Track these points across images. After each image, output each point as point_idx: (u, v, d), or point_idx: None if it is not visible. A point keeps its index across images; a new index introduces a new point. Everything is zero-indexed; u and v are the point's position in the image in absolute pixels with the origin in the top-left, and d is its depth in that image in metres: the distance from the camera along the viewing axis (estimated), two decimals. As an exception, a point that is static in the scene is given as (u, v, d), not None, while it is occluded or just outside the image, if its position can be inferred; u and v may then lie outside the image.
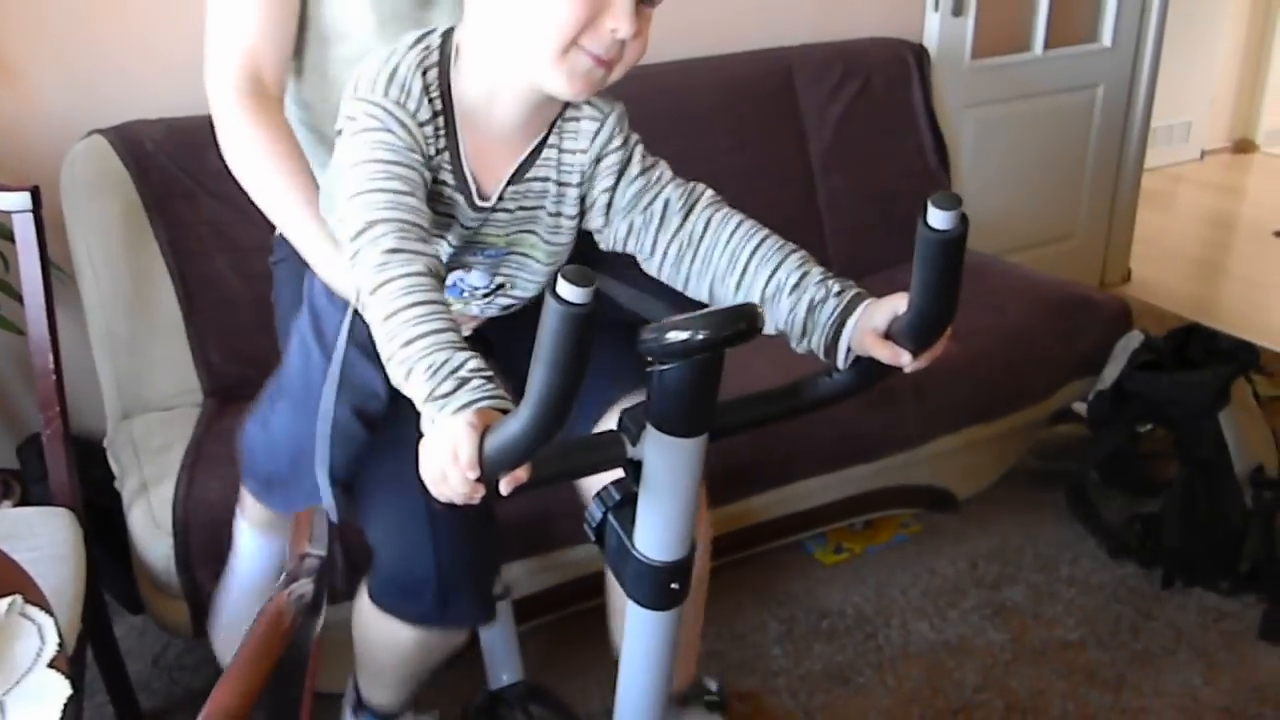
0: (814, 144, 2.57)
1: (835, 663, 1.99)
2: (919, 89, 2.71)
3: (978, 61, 2.95)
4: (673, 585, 0.97)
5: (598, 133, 1.05)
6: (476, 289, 1.12)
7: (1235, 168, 4.86)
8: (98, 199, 1.92)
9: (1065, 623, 2.10)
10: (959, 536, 2.34)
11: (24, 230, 1.61)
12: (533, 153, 1.05)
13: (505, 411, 0.80)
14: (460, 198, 1.03)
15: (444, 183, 1.02)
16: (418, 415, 0.82)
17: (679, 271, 1.05)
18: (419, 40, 1.01)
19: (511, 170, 1.05)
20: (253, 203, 1.85)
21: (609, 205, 1.07)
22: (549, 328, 0.71)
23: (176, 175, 1.96)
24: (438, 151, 1.00)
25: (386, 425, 1.19)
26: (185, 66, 2.01)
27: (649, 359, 0.87)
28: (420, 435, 0.82)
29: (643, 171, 1.06)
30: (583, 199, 1.08)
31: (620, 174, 1.06)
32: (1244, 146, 4.98)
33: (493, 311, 1.17)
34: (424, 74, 0.99)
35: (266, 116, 1.22)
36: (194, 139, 1.96)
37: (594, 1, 0.94)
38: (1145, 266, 3.63)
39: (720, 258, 1.02)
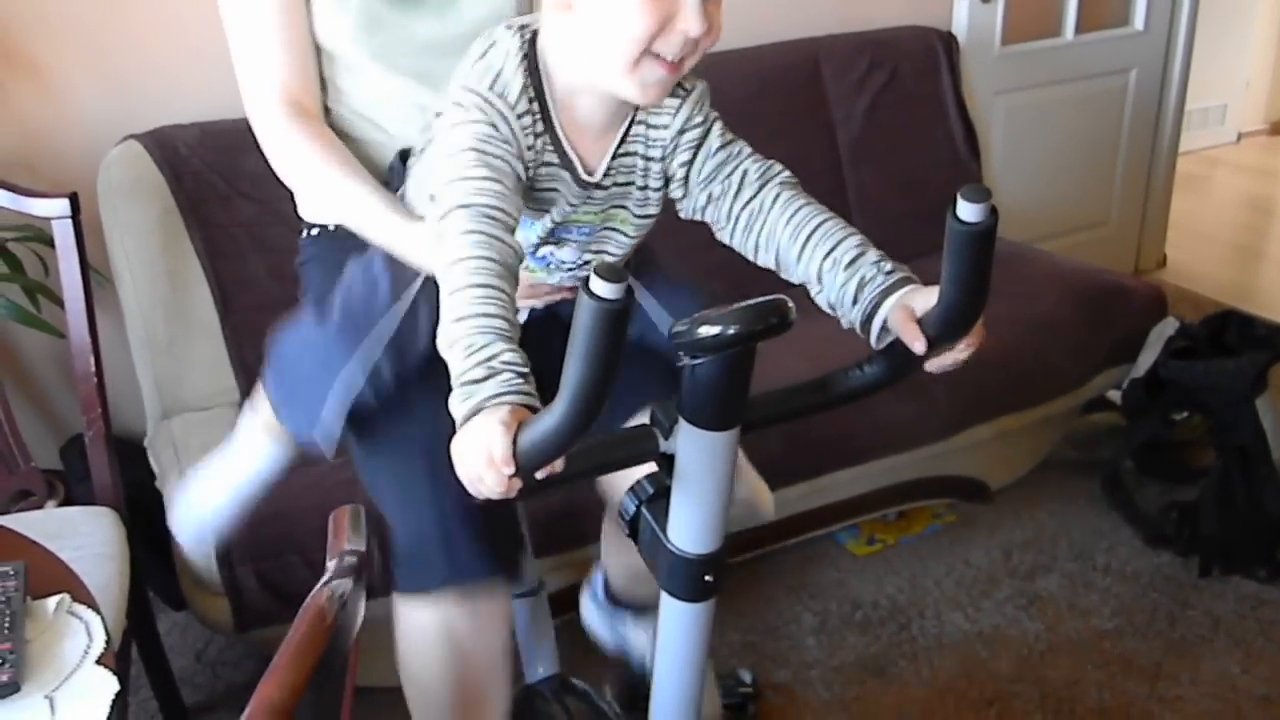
0: (842, 134, 2.56)
1: (869, 654, 1.99)
2: (948, 77, 2.70)
3: (1008, 48, 2.93)
4: (706, 577, 0.98)
5: (679, 109, 1.08)
6: (564, 263, 1.16)
7: (1272, 150, 4.78)
8: (134, 203, 1.95)
9: (1101, 612, 2.09)
10: (993, 527, 2.33)
11: (64, 236, 1.64)
12: (626, 130, 1.08)
13: (532, 409, 0.82)
14: (566, 174, 1.07)
15: (549, 163, 1.06)
16: (436, 392, 0.85)
17: (748, 239, 1.09)
18: (517, 33, 1.04)
19: (613, 148, 1.08)
20: (288, 204, 1.87)
21: (687, 177, 1.10)
22: (583, 323, 0.72)
23: (211, 179, 1.99)
24: (537, 135, 1.04)
25: (408, 390, 1.20)
26: (218, 71, 2.04)
27: (680, 353, 0.87)
28: (438, 417, 0.84)
29: (723, 146, 1.10)
30: (665, 171, 1.11)
31: (698, 148, 1.09)
32: (1281, 128, 4.91)
33: (570, 283, 1.19)
34: (522, 67, 1.02)
35: (314, 130, 1.26)
36: (227, 142, 1.99)
37: (663, 8, 0.96)
38: (1181, 252, 3.59)
39: (785, 229, 1.06)
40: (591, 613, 1.56)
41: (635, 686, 1.48)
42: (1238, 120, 4.77)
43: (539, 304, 1.22)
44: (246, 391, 2.01)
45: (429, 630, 1.29)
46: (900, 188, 2.59)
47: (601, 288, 0.71)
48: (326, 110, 1.33)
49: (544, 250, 1.14)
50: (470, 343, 0.85)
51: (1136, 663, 1.96)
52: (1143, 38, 3.18)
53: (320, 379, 1.22)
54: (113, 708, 0.95)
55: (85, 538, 1.56)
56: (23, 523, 1.48)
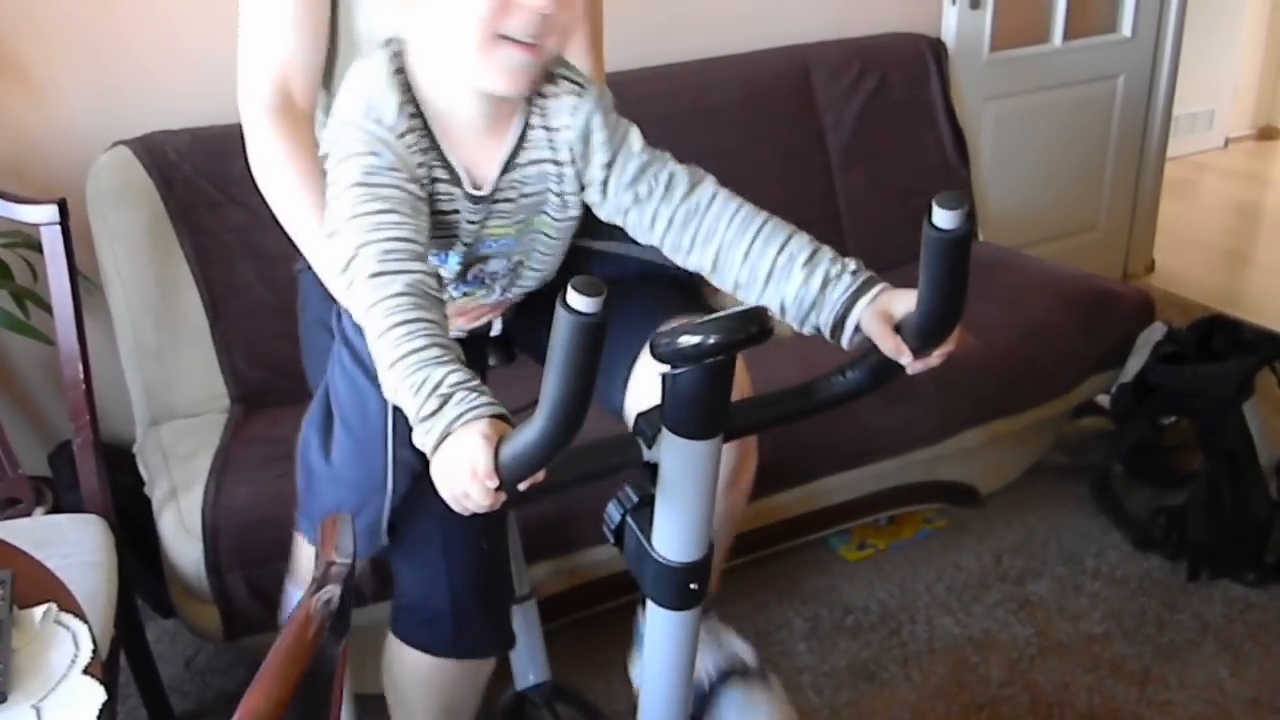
0: (832, 140, 2.57)
1: (860, 659, 1.99)
2: (937, 83, 2.71)
3: (996, 54, 2.94)
4: (691, 585, 0.98)
5: (579, 106, 1.05)
6: (496, 274, 1.14)
7: (1260, 155, 4.80)
8: (124, 209, 1.95)
9: (1090, 616, 2.09)
10: (983, 531, 2.34)
11: (52, 242, 1.64)
12: (520, 138, 1.05)
13: (501, 416, 0.82)
14: (458, 191, 1.05)
15: (439, 179, 1.03)
16: None
17: (682, 238, 1.05)
18: (385, 53, 1.02)
19: (503, 159, 1.05)
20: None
21: (606, 180, 1.07)
22: (560, 337, 0.72)
23: (201, 185, 1.99)
24: (424, 151, 1.01)
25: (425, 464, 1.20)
26: (208, 77, 2.05)
27: (662, 363, 0.88)
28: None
29: (644, 148, 1.07)
30: (579, 176, 1.08)
31: (617, 150, 1.06)
32: (1268, 133, 4.92)
33: (514, 295, 1.18)
34: (396, 86, 1.00)
35: (293, 134, 1.23)
36: (218, 148, 1.99)
37: None
38: (1169, 257, 3.61)
39: (728, 228, 1.03)
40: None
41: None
42: (1225, 126, 4.79)
43: (475, 324, 1.21)
44: (236, 398, 2.02)
45: (421, 671, 1.32)
46: (890, 193, 2.60)
47: (579, 302, 0.71)
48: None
49: (472, 271, 1.12)
50: (411, 382, 0.84)
51: (1126, 667, 1.97)
52: (1130, 44, 3.20)
53: (354, 503, 1.22)
54: (100, 717, 0.95)
55: (73, 546, 1.56)
56: (10, 531, 1.48)
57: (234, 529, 1.69)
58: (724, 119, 2.42)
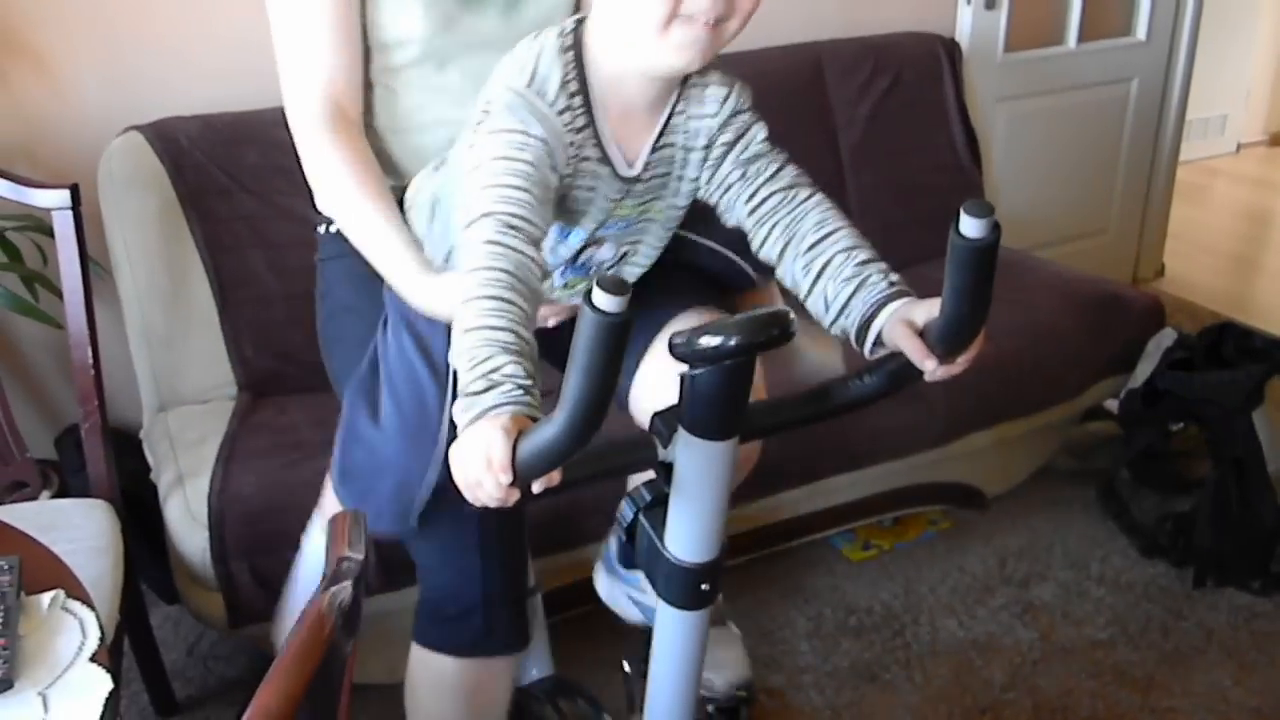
0: (844, 139, 2.56)
1: (863, 660, 1.99)
2: (950, 83, 2.70)
3: (1010, 55, 2.93)
4: (703, 586, 0.98)
5: (726, 98, 1.08)
6: (603, 263, 1.15)
7: (1272, 161, 4.79)
8: (135, 195, 1.94)
9: (1095, 622, 2.09)
10: (988, 534, 2.33)
11: (64, 227, 1.64)
12: (666, 121, 1.08)
13: (535, 419, 0.82)
14: (605, 170, 1.06)
15: (588, 158, 1.05)
16: None
17: (768, 218, 1.08)
18: (558, 28, 1.04)
19: (652, 140, 1.08)
20: (289, 198, 1.87)
21: (723, 158, 1.10)
22: (584, 336, 0.72)
23: (212, 171, 1.98)
24: (578, 131, 1.03)
25: None
26: (220, 63, 2.05)
27: (682, 363, 0.87)
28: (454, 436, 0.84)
29: (766, 139, 1.10)
30: (703, 160, 1.11)
31: (744, 133, 1.09)
32: (1281, 139, 4.92)
33: None
34: (563, 61, 1.02)
35: (351, 144, 1.23)
36: (229, 135, 1.99)
37: None
38: (1179, 261, 3.60)
39: (811, 218, 1.06)
40: (605, 585, 1.49)
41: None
42: (1237, 131, 4.78)
43: (557, 320, 1.20)
44: (244, 385, 2.01)
45: (446, 677, 1.33)
46: (901, 193, 2.59)
47: (604, 300, 0.70)
48: (388, 111, 1.30)
49: (585, 255, 1.13)
50: (474, 355, 0.85)
51: (1130, 673, 1.96)
52: (1144, 48, 3.19)
53: (394, 488, 1.22)
54: (106, 706, 0.95)
55: (79, 530, 1.56)
56: (17, 515, 1.47)
57: (240, 517, 1.68)
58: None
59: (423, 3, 1.22)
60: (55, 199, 1.63)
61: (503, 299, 0.88)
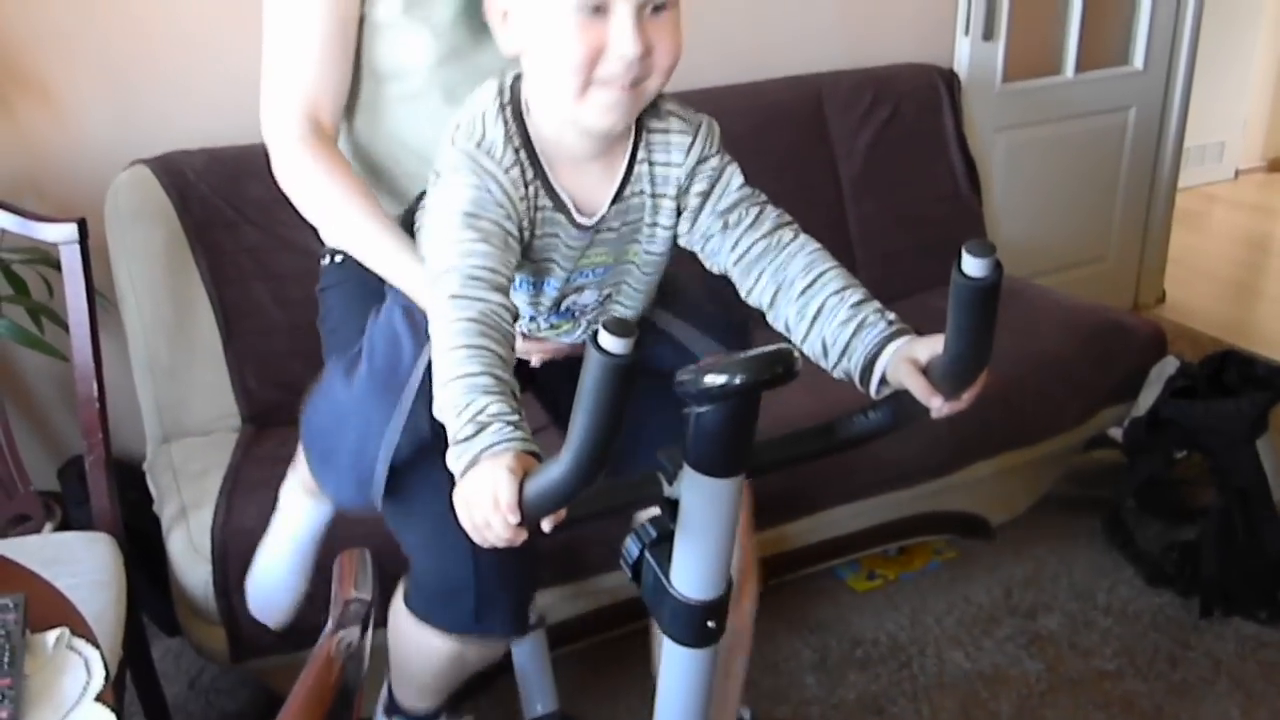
0: (844, 170, 2.57)
1: (869, 692, 1.98)
2: (949, 114, 2.71)
3: (1009, 85, 2.95)
4: (709, 623, 0.98)
5: (691, 145, 1.08)
6: (587, 307, 1.16)
7: (1270, 187, 4.81)
8: (141, 228, 1.95)
9: (1102, 652, 2.08)
10: (993, 564, 2.32)
11: (70, 261, 1.65)
12: (627, 171, 1.08)
13: (530, 453, 0.82)
14: (561, 217, 1.07)
15: (543, 207, 1.05)
16: None
17: (754, 269, 1.07)
18: (495, 85, 1.05)
19: (613, 190, 1.08)
20: (293, 231, 1.87)
21: (700, 209, 1.10)
22: (590, 377, 0.72)
23: (217, 204, 2.00)
24: (528, 184, 1.04)
25: (442, 438, 1.20)
26: (225, 97, 2.07)
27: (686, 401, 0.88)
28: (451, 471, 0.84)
29: (743, 185, 1.10)
30: (676, 208, 1.11)
31: (716, 182, 1.09)
32: (1279, 166, 4.93)
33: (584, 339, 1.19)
34: (503, 119, 1.03)
35: (328, 153, 1.24)
36: (234, 169, 2.00)
37: (593, 34, 0.96)
38: (1180, 288, 3.60)
39: (798, 263, 1.05)
40: None
41: None
42: (1235, 157, 4.80)
43: (541, 359, 1.21)
44: (247, 417, 2.02)
45: (431, 647, 1.31)
46: (901, 223, 2.60)
47: (610, 342, 0.71)
48: (355, 136, 1.32)
49: (566, 301, 1.14)
50: (456, 404, 0.86)
51: (1137, 705, 1.95)
52: (1142, 76, 3.21)
53: (356, 443, 1.23)
54: (110, 744, 0.95)
55: (82, 564, 1.55)
56: (20, 549, 1.47)
57: (243, 551, 1.67)
58: (736, 147, 2.37)
59: (433, 33, 1.23)
60: (63, 233, 1.64)
61: (474, 346, 0.89)
